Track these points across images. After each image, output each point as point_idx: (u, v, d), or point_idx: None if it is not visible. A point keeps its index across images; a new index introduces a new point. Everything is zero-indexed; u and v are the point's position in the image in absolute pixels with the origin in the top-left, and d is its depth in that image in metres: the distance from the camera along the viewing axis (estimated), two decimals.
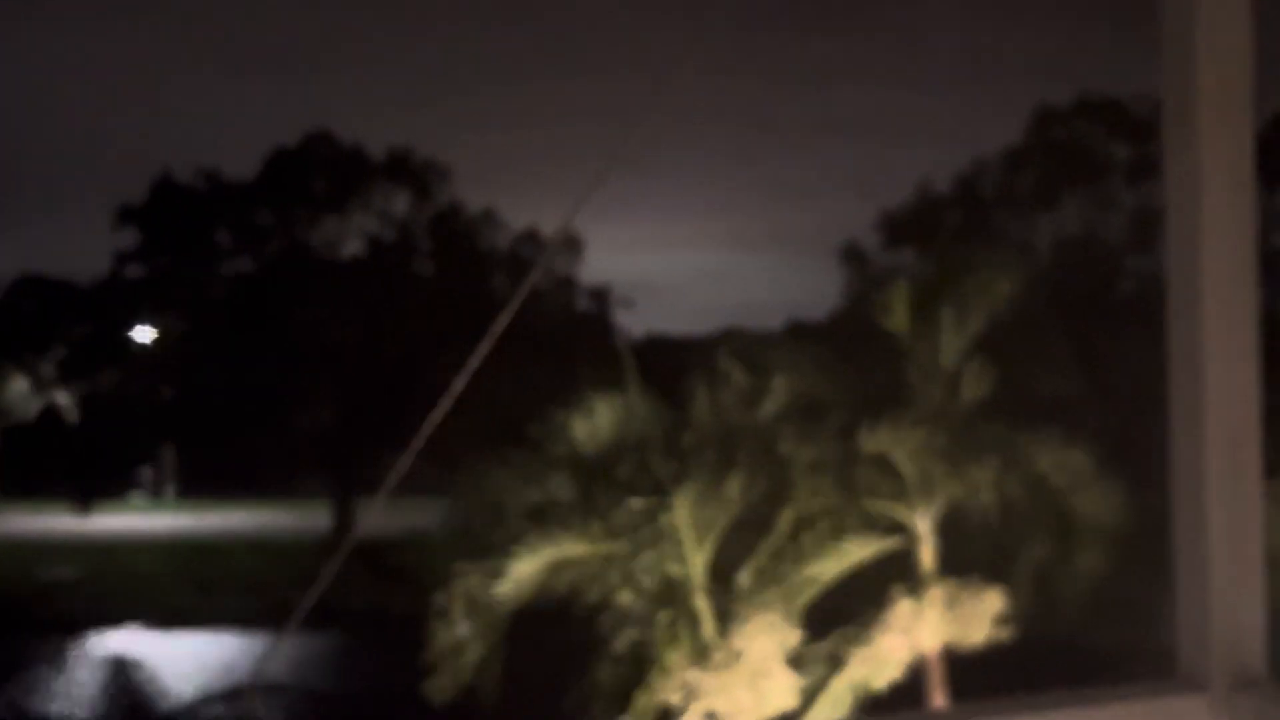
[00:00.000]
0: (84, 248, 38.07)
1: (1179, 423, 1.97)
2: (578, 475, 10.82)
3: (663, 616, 10.37)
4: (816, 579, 10.87)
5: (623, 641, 10.74)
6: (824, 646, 10.80)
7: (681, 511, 10.53)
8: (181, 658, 25.37)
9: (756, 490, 10.48)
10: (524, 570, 10.21)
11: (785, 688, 10.10)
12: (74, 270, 37.52)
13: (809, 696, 10.41)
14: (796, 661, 10.30)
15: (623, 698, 10.46)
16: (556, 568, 10.42)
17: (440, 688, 10.51)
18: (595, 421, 11.01)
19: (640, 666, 10.70)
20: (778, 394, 11.29)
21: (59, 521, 35.37)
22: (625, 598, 10.52)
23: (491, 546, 10.65)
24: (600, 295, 40.51)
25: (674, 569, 10.54)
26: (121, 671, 25.21)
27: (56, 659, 25.29)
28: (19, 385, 39.29)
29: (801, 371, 11.98)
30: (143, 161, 35.74)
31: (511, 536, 10.50)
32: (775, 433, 11.01)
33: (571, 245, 39.04)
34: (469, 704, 10.15)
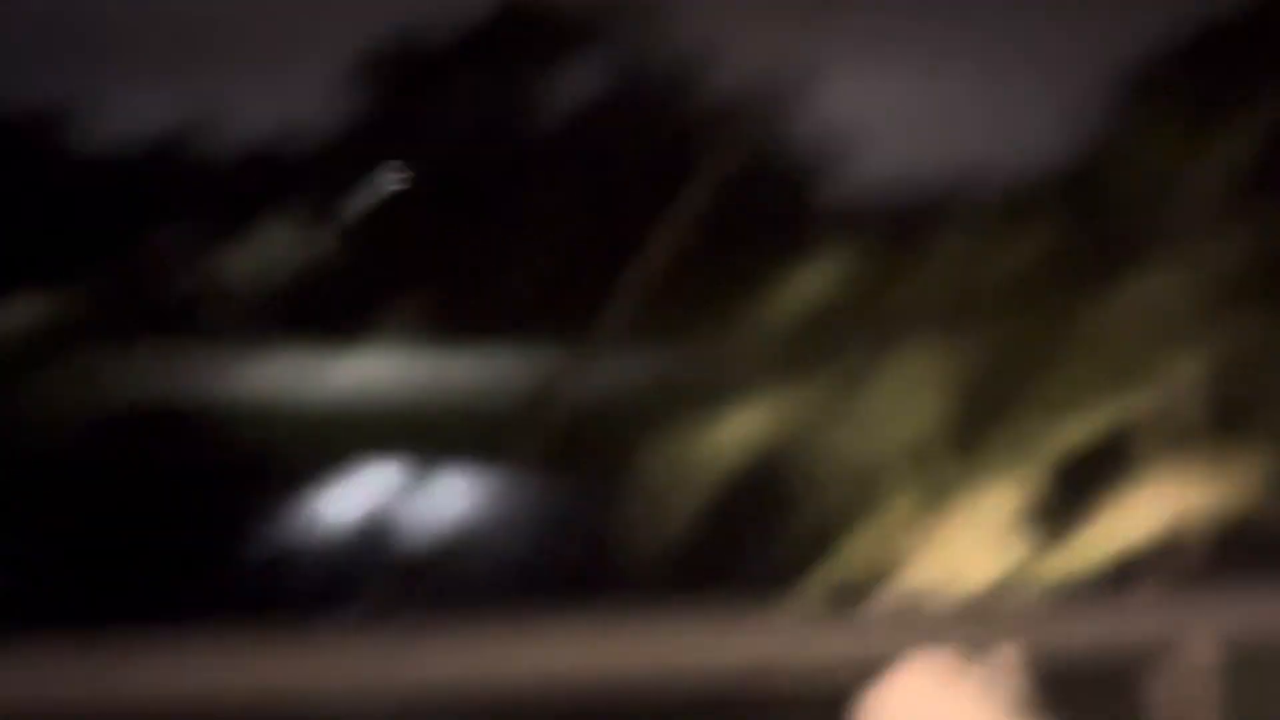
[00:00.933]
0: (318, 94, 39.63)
1: None
2: (799, 327, 10.42)
3: (882, 473, 9.95)
4: (1063, 440, 10.28)
5: (833, 497, 10.49)
6: (1066, 511, 10.36)
7: (914, 366, 10.07)
8: (415, 498, 27.00)
9: (1003, 344, 9.89)
10: (735, 424, 10.00)
11: (1019, 550, 9.59)
12: (318, 119, 39.44)
13: (1045, 560, 9.82)
14: (1034, 524, 9.74)
15: (828, 552, 10.27)
16: (769, 421, 10.12)
17: (647, 540, 10.56)
18: (821, 272, 10.54)
19: (851, 523, 10.46)
20: (1030, 242, 10.55)
21: (302, 366, 37.94)
22: (842, 452, 10.08)
23: (706, 399, 10.58)
24: (829, 141, 39.06)
25: (902, 424, 10.07)
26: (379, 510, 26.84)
27: (303, 500, 27.41)
28: (269, 233, 42.15)
29: (1056, 218, 11.15)
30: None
31: (726, 390, 10.31)
32: (1027, 283, 10.36)
33: (800, 89, 37.64)
34: (673, 556, 10.13)
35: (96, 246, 41.09)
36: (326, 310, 37.66)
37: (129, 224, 41.14)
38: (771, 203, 25.25)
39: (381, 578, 21.53)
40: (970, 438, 10.16)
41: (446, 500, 26.46)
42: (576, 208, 31.81)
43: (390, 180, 36.65)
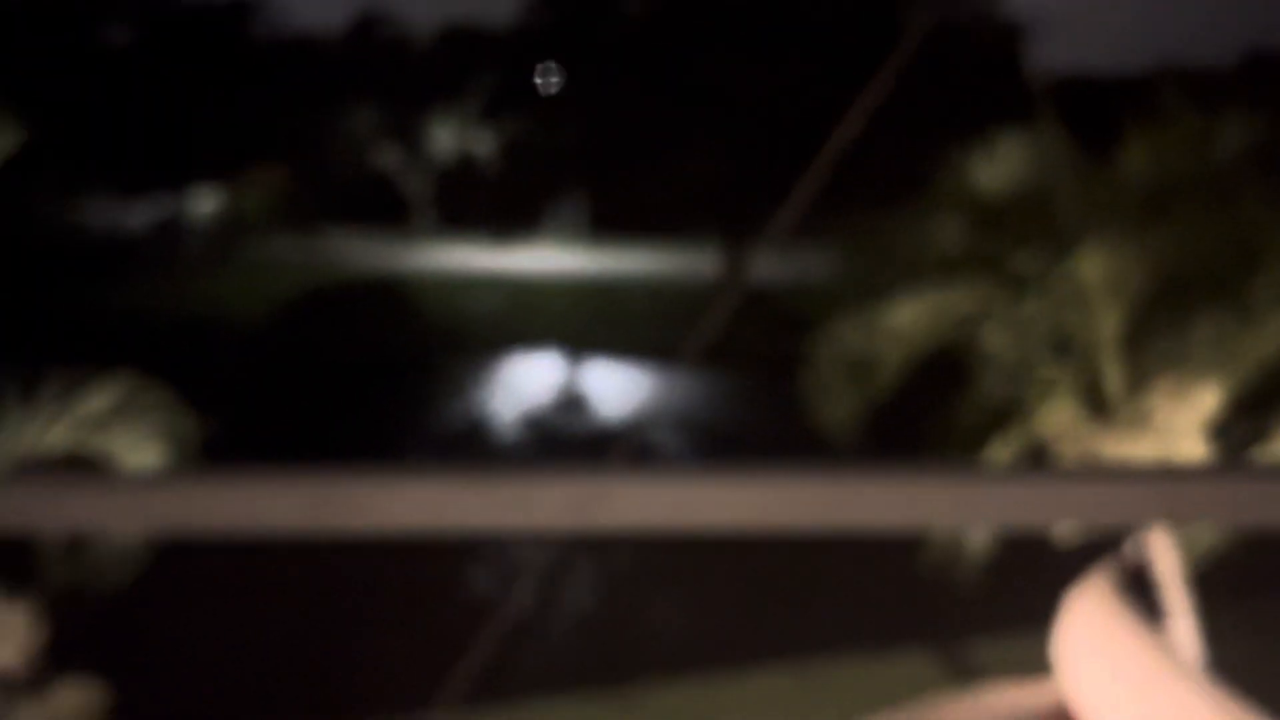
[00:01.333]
0: None
1: None
2: (974, 222, 10.07)
3: (1053, 370, 9.73)
4: (1255, 349, 9.69)
5: (1000, 389, 10.25)
6: (1248, 422, 9.87)
7: (1093, 265, 9.62)
8: (589, 384, 27.81)
9: (1195, 246, 9.26)
10: (903, 318, 9.88)
11: (1195, 456, 9.28)
12: (488, 18, 39.91)
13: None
14: (1214, 433, 9.44)
15: (988, 438, 10.09)
16: (938, 317, 9.91)
17: (820, 424, 10.64)
18: (998, 164, 10.09)
19: (1017, 416, 10.22)
20: (1234, 136, 9.80)
21: (478, 258, 39.41)
22: (1012, 350, 9.89)
23: (876, 294, 10.41)
24: (1015, 28, 36.89)
25: (1076, 324, 9.79)
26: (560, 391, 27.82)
27: (485, 378, 28.65)
28: (444, 129, 43.32)
29: (1262, 111, 10.33)
30: None
31: (896, 284, 10.17)
32: (1227, 182, 9.68)
33: None
34: (841, 441, 10.13)
35: (282, 133, 43.08)
36: (505, 201, 38.57)
37: (314, 112, 42.76)
38: (957, 92, 24.10)
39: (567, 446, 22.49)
40: (1158, 339, 9.75)
41: (621, 385, 27.19)
42: (753, 100, 31.18)
43: (561, 78, 36.62)
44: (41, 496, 1.13)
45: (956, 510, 1.03)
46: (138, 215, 47.18)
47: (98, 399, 7.90)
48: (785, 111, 29.83)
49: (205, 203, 50.51)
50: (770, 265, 32.18)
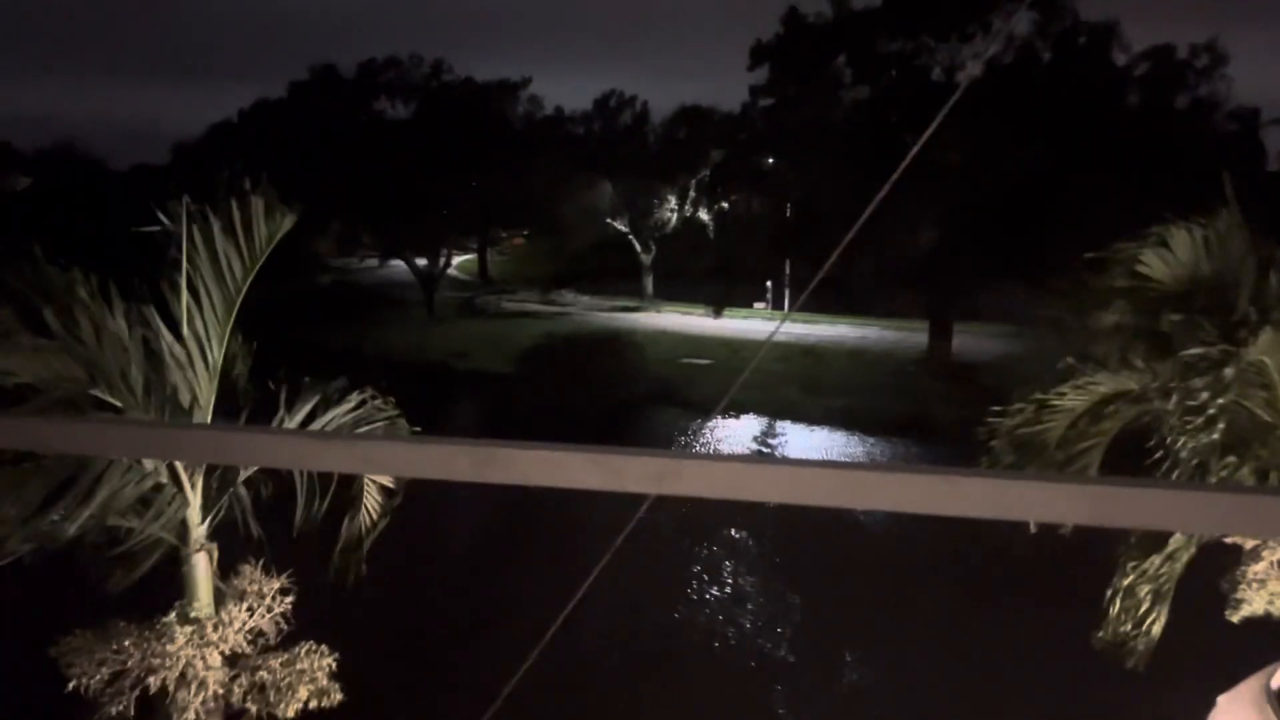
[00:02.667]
0: (730, 83, 42.69)
1: None
2: (1145, 308, 10.34)
3: (1237, 459, 9.61)
4: None
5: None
6: None
7: (1269, 352, 9.47)
8: (787, 445, 29.43)
9: None
10: (1075, 402, 10.01)
11: None
12: (720, 101, 42.65)
13: None
14: None
15: None
16: (1110, 401, 10.08)
17: None
18: (1172, 252, 9.95)
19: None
20: None
21: (697, 321, 41.93)
22: (1191, 437, 9.63)
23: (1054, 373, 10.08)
24: (1246, 116, 36.22)
25: (1259, 410, 9.67)
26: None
27: (694, 432, 30.79)
28: (671, 202, 46.30)
29: None
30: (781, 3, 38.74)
31: (1072, 368, 10.29)
32: None
33: (1213, 59, 35.21)
34: None
35: (538, 197, 47.17)
36: (725, 269, 40.84)
37: (564, 180, 46.48)
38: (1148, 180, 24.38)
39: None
40: None
41: (816, 446, 28.75)
42: (956, 183, 32.13)
43: (781, 158, 38.33)
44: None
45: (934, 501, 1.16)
46: (397, 270, 52.74)
47: (345, 408, 9.60)
48: (1001, 193, 30.59)
49: (459, 260, 55.68)
50: (985, 342, 32.85)
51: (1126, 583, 9.63)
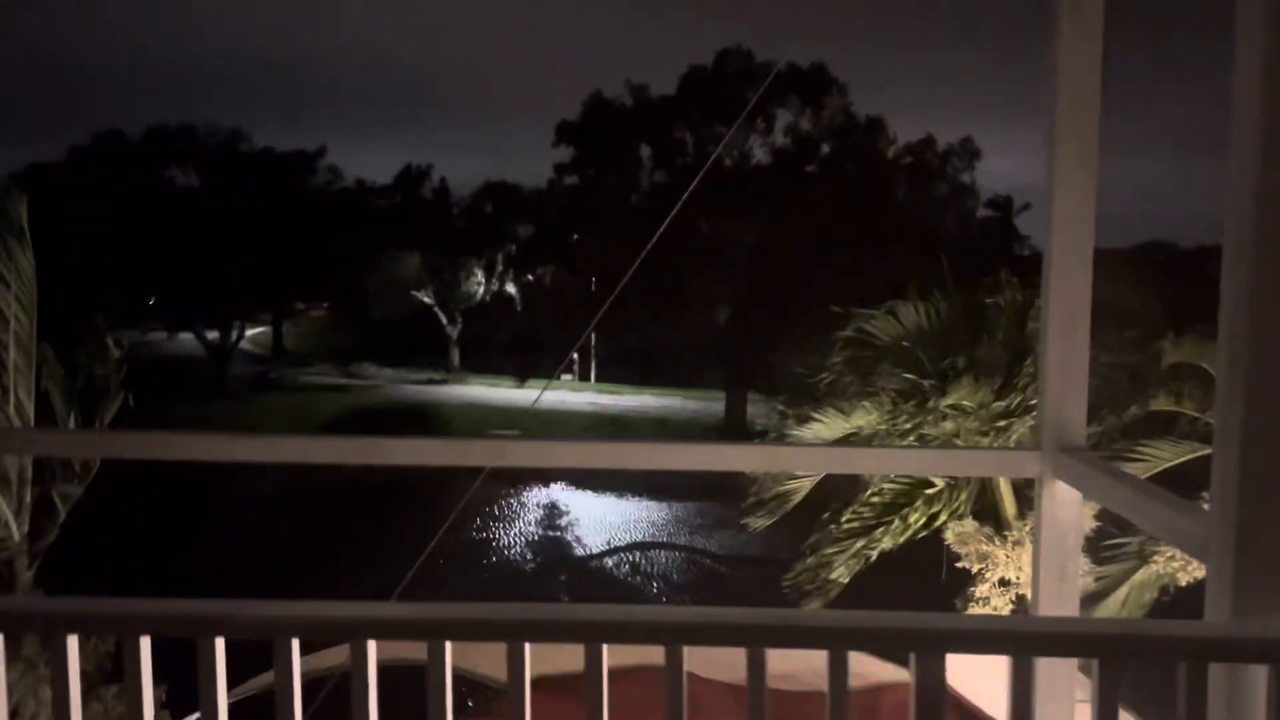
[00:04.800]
0: (533, 159, 43.99)
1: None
2: (869, 361, 12.31)
3: (955, 493, 11.18)
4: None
5: (909, 513, 11.91)
6: (1133, 540, 11.27)
7: (957, 399, 11.36)
8: (592, 512, 30.10)
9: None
10: (823, 434, 11.76)
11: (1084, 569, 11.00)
12: (523, 178, 43.73)
13: (1112, 584, 10.55)
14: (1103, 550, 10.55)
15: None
16: (846, 439, 11.74)
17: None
18: (896, 319, 12.33)
19: (926, 536, 11.99)
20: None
21: (504, 393, 42.36)
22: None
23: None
24: (998, 203, 40.34)
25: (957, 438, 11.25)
26: (551, 515, 30.40)
27: (504, 502, 31.01)
28: (478, 275, 46.78)
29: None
30: (584, 84, 40.45)
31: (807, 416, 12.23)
32: None
33: (968, 152, 39.15)
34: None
35: (338, 269, 46.62)
36: (528, 340, 41.50)
37: (366, 251, 46.25)
38: None
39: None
40: None
41: (617, 512, 29.60)
42: (745, 259, 34.21)
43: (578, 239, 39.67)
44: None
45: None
46: (184, 344, 50.71)
47: None
48: (783, 269, 32.79)
49: (252, 333, 54.05)
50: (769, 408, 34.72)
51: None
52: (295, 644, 2.07)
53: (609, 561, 26.88)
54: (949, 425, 11.78)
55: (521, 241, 43.68)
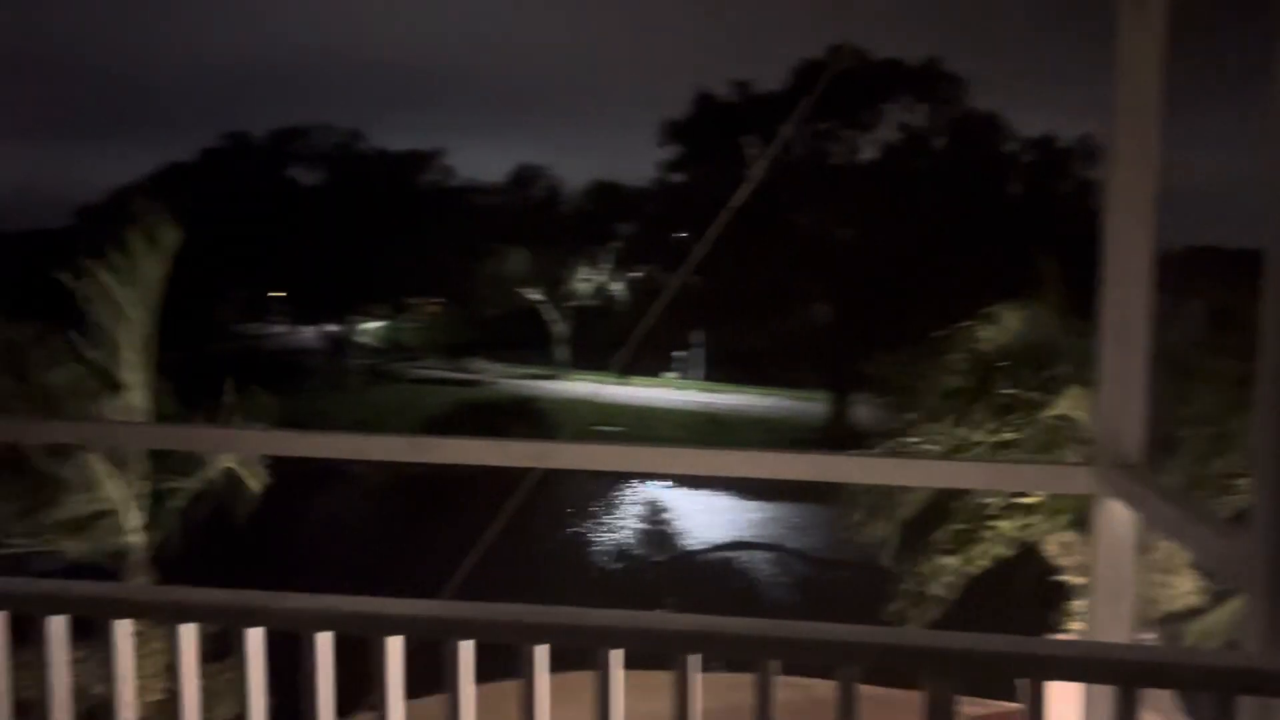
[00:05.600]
0: (640, 158, 44.30)
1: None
2: (977, 372, 12.04)
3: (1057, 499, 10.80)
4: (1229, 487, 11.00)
5: (1011, 525, 11.68)
6: None
7: (1068, 408, 10.97)
8: (693, 509, 30.16)
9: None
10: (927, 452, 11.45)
11: (1191, 588, 10.29)
12: (633, 177, 44.04)
13: (1216, 599, 10.42)
14: None
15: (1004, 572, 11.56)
16: (955, 451, 11.51)
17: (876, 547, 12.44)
18: (1001, 326, 12.06)
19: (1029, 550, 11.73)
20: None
21: (607, 390, 42.59)
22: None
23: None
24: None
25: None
26: (654, 512, 30.57)
27: (607, 498, 31.32)
28: (584, 272, 47.32)
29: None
30: (690, 81, 40.46)
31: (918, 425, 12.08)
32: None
33: (1091, 149, 37.81)
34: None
35: (450, 265, 47.72)
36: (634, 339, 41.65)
37: (477, 248, 47.25)
38: None
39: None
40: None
41: (715, 510, 29.59)
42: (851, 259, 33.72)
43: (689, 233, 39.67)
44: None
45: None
46: (305, 336, 52.58)
47: None
48: (889, 268, 32.26)
49: (369, 327, 55.70)
50: (880, 410, 34.14)
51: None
52: (327, 637, 2.18)
53: (708, 559, 26.92)
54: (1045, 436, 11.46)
55: (627, 239, 44.01)
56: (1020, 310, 12.29)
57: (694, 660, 2.02)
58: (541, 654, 2.06)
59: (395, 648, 2.13)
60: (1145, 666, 1.92)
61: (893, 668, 1.95)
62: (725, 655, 2.12)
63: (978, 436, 12.16)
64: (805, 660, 2.10)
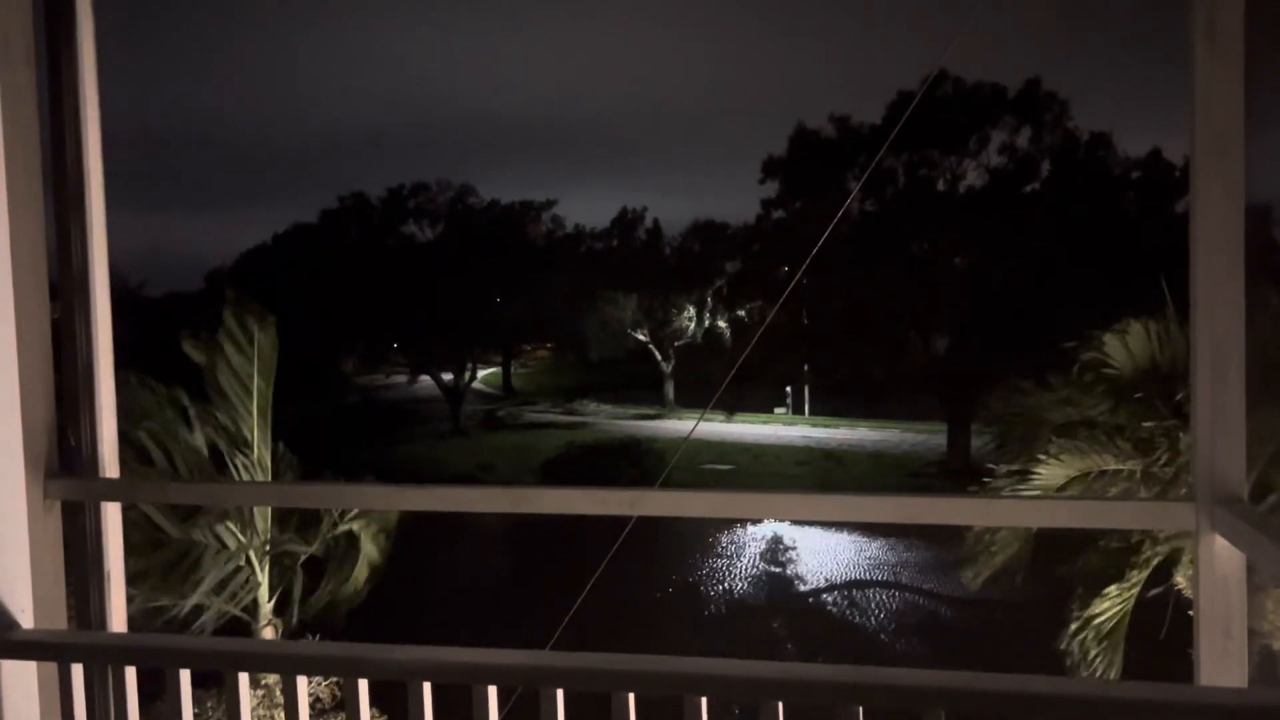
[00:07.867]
0: (741, 196, 44.40)
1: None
2: (1108, 394, 11.41)
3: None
4: None
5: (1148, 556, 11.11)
6: None
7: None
8: (809, 547, 29.79)
9: None
10: (1048, 481, 10.83)
11: None
12: (731, 215, 44.24)
13: None
14: None
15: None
16: (1082, 480, 10.97)
17: (974, 579, 12.13)
18: (1128, 344, 11.44)
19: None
20: None
21: (717, 428, 42.67)
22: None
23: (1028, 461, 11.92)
24: (1255, 212, 37.29)
25: None
26: (771, 550, 30.34)
27: (714, 538, 31.20)
28: (689, 311, 47.58)
29: None
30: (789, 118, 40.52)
31: (1041, 452, 11.33)
32: None
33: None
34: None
35: (560, 310, 48.70)
36: (741, 377, 41.78)
37: (585, 293, 48.01)
38: None
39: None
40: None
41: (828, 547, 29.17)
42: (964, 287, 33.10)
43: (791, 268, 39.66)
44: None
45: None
46: (423, 385, 54.11)
47: None
48: (995, 294, 31.55)
49: (483, 374, 56.99)
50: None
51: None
52: (427, 687, 2.32)
53: (827, 598, 26.53)
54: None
55: (730, 277, 44.15)
56: (1147, 328, 11.63)
57: (770, 706, 2.08)
58: (621, 701, 2.15)
59: (490, 696, 2.25)
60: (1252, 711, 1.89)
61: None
62: (807, 701, 2.17)
63: (1113, 465, 11.59)
64: (889, 707, 2.13)
